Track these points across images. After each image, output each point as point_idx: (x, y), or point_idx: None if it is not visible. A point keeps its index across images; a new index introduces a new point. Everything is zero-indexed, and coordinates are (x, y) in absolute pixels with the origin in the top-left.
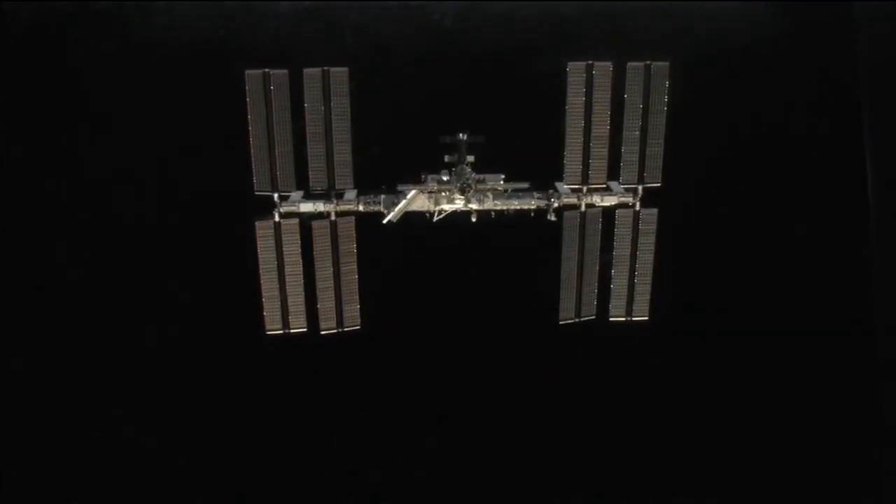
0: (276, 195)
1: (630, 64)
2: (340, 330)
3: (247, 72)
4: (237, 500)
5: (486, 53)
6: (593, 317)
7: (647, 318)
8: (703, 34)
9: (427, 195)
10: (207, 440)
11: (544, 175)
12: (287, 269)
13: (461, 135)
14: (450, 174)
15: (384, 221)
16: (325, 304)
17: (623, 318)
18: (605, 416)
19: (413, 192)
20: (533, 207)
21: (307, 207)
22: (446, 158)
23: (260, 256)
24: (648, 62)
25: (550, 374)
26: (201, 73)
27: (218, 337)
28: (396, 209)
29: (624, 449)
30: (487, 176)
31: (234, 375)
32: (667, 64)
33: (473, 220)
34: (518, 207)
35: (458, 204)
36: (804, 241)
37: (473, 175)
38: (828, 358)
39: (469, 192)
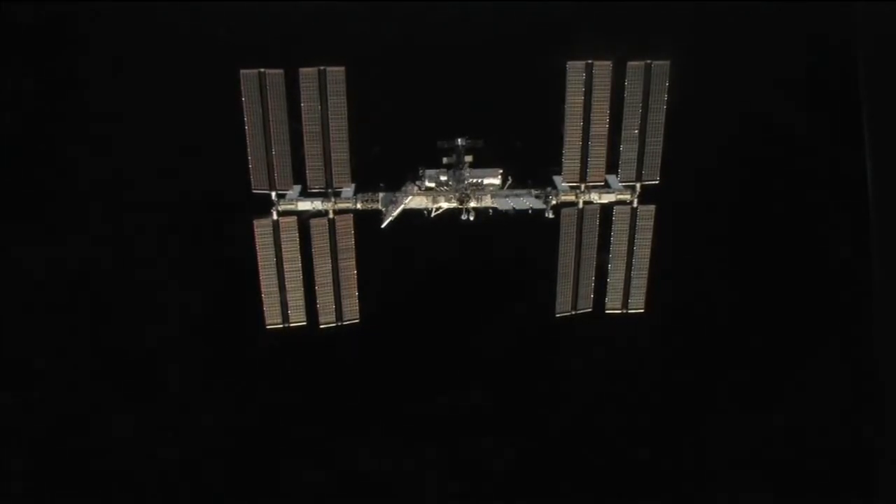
0: (273, 193)
1: (630, 63)
2: (340, 324)
3: (242, 71)
4: (237, 497)
5: (487, 53)
6: (590, 309)
7: (642, 310)
8: (703, 34)
9: (425, 192)
10: (207, 436)
11: (542, 173)
12: (286, 266)
13: (459, 140)
14: (448, 174)
15: (382, 226)
16: (324, 298)
17: (619, 311)
18: (601, 411)
19: (409, 197)
20: (530, 206)
21: (305, 206)
22: (444, 160)
23: (259, 253)
24: (649, 61)
25: (547, 366)
26: (201, 72)
27: (218, 333)
28: (395, 213)
29: (621, 445)
30: (485, 171)
31: (235, 370)
32: (667, 63)
33: (472, 218)
34: (515, 207)
35: (456, 203)
36: (803, 239)
37: (471, 179)
38: (826, 355)
39: (467, 202)
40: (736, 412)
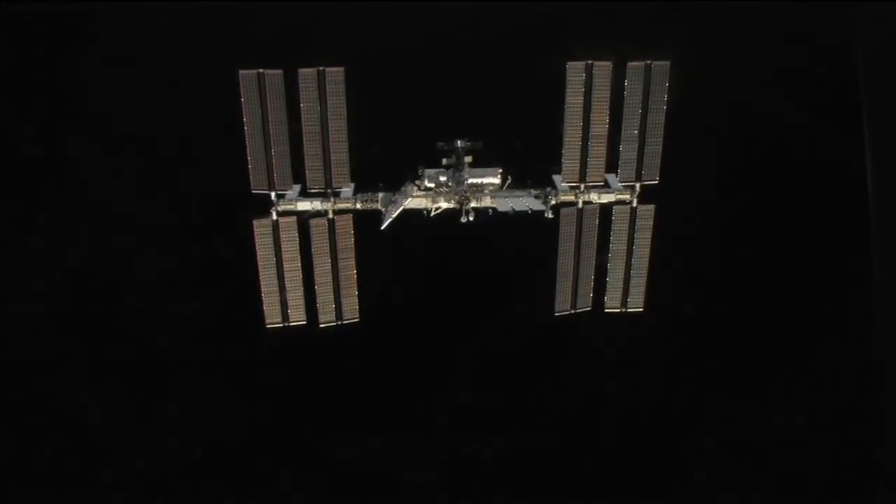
0: (273, 194)
1: (630, 64)
2: (339, 322)
3: (241, 72)
4: (236, 497)
5: (486, 53)
6: (589, 308)
7: (641, 309)
8: (704, 34)
9: (425, 192)
10: (206, 435)
11: (542, 172)
12: (286, 266)
13: (459, 141)
14: (447, 174)
15: (382, 227)
16: (324, 298)
17: (618, 310)
18: (600, 410)
19: (408, 199)
20: (530, 208)
21: (304, 206)
22: (444, 161)
23: (258, 253)
24: (649, 62)
25: (546, 365)
26: (200, 72)
27: (218, 332)
28: (394, 214)
29: (620, 444)
30: (485, 170)
31: (234, 369)
32: (667, 63)
33: (471, 219)
34: (515, 208)
35: (456, 204)
36: (802, 239)
37: (470, 180)
38: (826, 355)
39: (467, 204)
40: (735, 411)
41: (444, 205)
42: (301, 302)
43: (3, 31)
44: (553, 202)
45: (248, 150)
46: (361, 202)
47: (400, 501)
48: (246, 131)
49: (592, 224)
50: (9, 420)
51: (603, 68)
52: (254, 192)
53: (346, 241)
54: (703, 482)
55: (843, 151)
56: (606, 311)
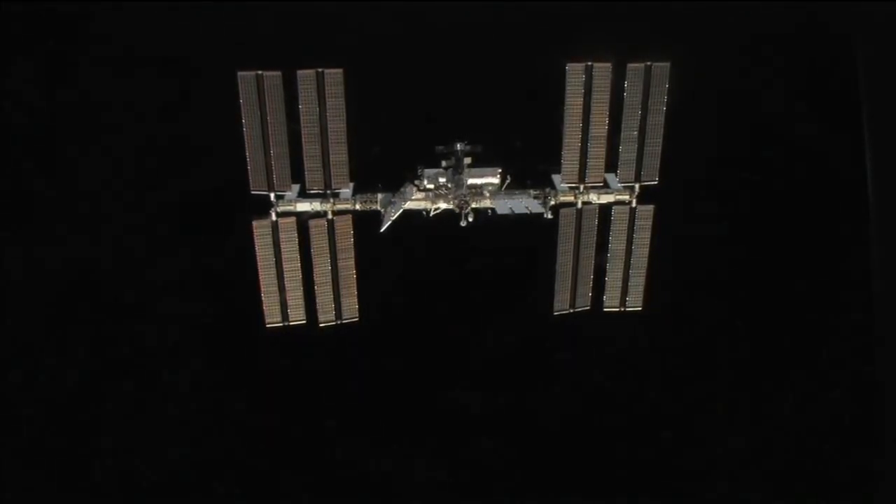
0: (272, 195)
1: (630, 65)
2: (339, 322)
3: (239, 73)
4: (235, 497)
5: (487, 53)
6: (588, 307)
7: (640, 308)
8: (703, 34)
9: (424, 193)
10: (206, 435)
11: (541, 172)
12: (285, 266)
13: (458, 144)
14: (446, 175)
15: (381, 230)
16: (324, 297)
17: (617, 309)
18: (599, 409)
19: (407, 202)
20: (529, 209)
21: (304, 206)
22: (444, 163)
23: (258, 254)
24: (649, 63)
25: (545, 363)
26: (199, 73)
27: (218, 332)
28: (394, 216)
29: (619, 443)
30: (484, 170)
31: (234, 369)
32: (667, 64)
33: (470, 220)
34: (514, 210)
35: (455, 207)
36: (802, 239)
37: (469, 181)
38: (826, 355)
39: (466, 208)
40: (734, 411)
41: (443, 205)
42: (301, 302)
43: (3, 31)
44: (552, 203)
45: (247, 151)
46: (361, 203)
47: (400, 501)
48: (245, 132)
49: (592, 224)
50: (8, 421)
51: (602, 69)
52: (253, 192)
53: (346, 241)
54: (703, 482)
55: (843, 151)
56: (605, 310)
